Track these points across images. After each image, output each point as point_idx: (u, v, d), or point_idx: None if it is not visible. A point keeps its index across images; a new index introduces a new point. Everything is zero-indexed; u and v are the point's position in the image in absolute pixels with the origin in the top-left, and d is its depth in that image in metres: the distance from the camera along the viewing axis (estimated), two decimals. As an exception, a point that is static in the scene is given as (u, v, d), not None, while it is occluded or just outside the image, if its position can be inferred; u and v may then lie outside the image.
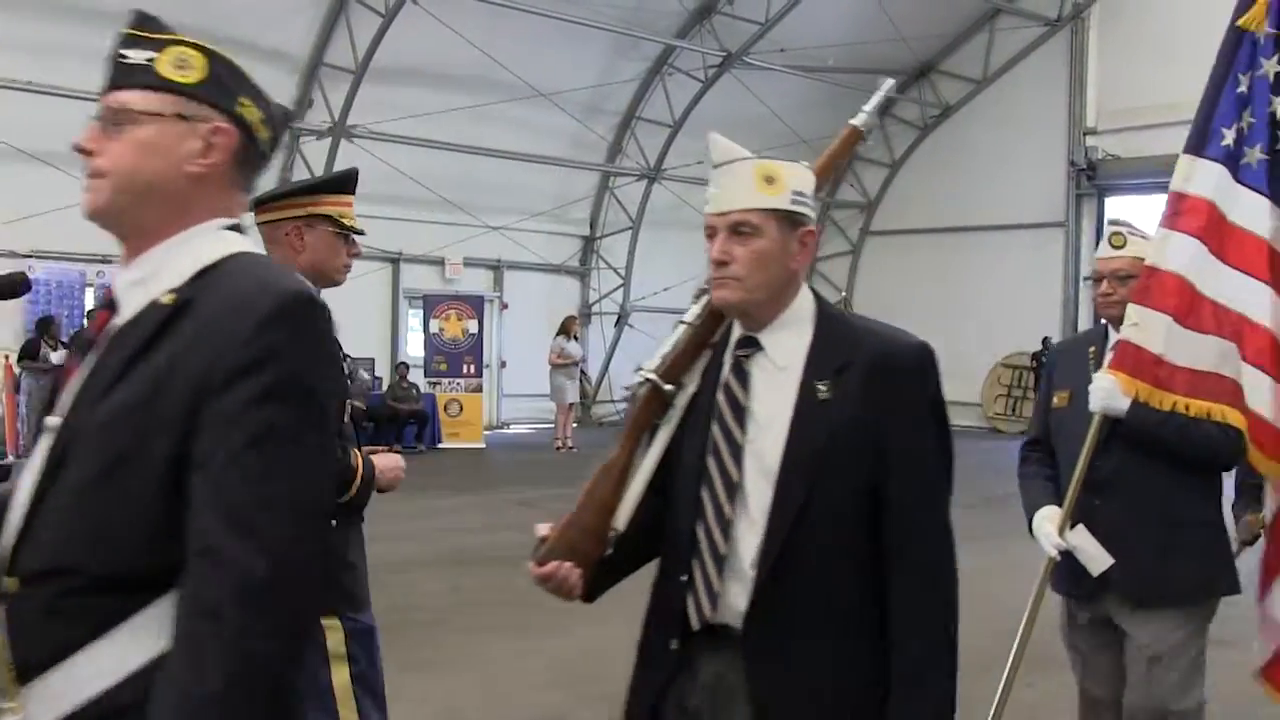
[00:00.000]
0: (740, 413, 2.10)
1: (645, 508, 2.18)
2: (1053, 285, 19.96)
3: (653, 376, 2.19)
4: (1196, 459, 3.32)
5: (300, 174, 16.66)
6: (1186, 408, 3.26)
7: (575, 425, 17.44)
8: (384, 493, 3.14)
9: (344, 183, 3.13)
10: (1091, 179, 19.95)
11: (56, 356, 13.68)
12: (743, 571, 2.05)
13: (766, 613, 2.03)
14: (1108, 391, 3.31)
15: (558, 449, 16.28)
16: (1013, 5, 20.02)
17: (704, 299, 2.17)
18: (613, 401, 21.04)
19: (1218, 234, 3.35)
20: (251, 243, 1.71)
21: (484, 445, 17.07)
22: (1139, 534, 3.32)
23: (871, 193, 23.00)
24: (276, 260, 3.08)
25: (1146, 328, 3.31)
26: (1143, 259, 3.40)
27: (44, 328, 13.67)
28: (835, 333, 2.11)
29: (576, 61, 17.79)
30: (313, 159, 16.52)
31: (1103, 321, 3.63)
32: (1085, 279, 3.98)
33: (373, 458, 3.09)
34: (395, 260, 17.84)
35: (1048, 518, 3.42)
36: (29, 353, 13.60)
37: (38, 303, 14.14)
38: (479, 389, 17.59)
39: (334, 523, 3.01)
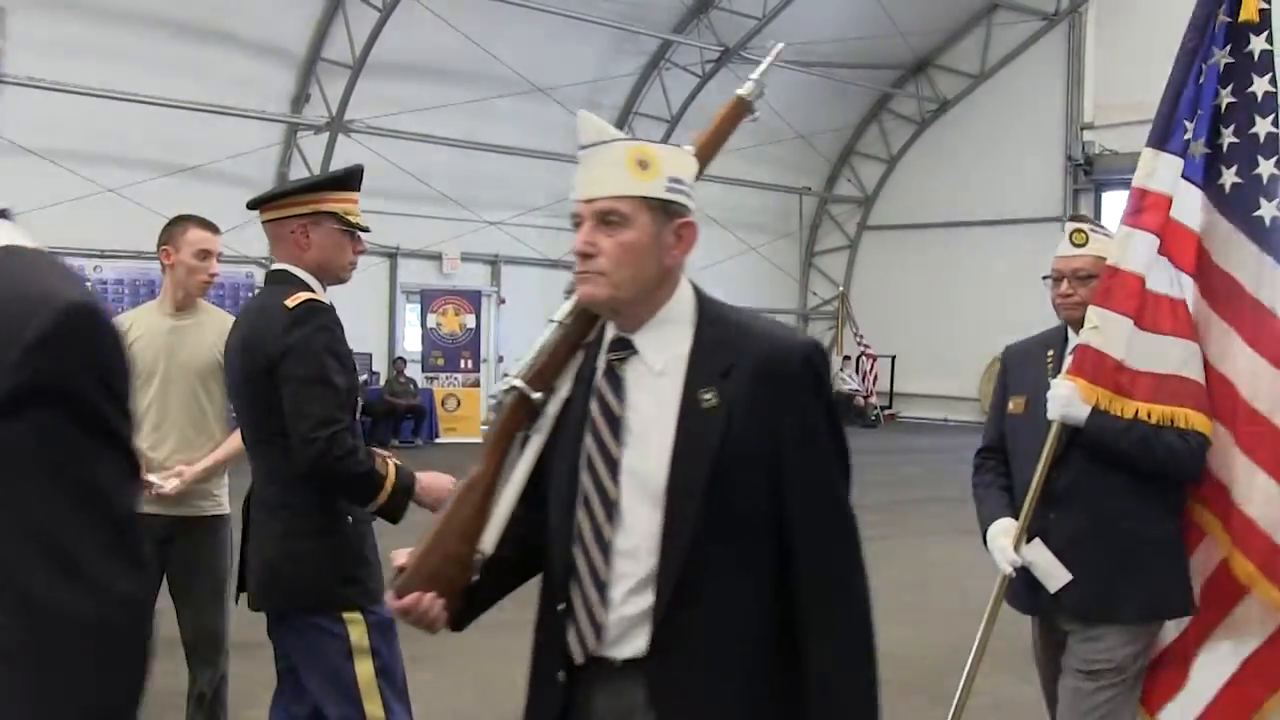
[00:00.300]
0: (615, 423, 1.92)
1: (520, 523, 2.00)
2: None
3: (519, 383, 1.99)
4: (1158, 473, 3.15)
5: (298, 169, 16.65)
6: (1149, 415, 3.11)
7: (573, 420, 17.42)
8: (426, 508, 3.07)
9: (348, 179, 3.10)
10: (1088, 174, 19.95)
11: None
12: (628, 600, 1.88)
13: (669, 645, 1.86)
14: (1066, 399, 3.14)
15: (555, 444, 16.30)
16: (1010, 0, 20.02)
17: (575, 295, 1.98)
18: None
19: (1168, 231, 3.23)
20: (16, 230, 1.47)
21: (481, 440, 16.99)
22: (1094, 550, 3.17)
23: (869, 188, 23.00)
24: (282, 258, 3.05)
25: (1107, 331, 3.14)
26: (1105, 258, 3.24)
27: (41, 323, 13.65)
28: (717, 334, 1.93)
29: (574, 56, 17.77)
30: (310, 154, 16.51)
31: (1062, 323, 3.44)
32: (1045, 278, 3.77)
33: (420, 474, 3.03)
34: (393, 255, 17.83)
35: (1003, 531, 3.29)
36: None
37: (35, 298, 14.10)
38: (476, 384, 17.59)
39: (350, 519, 2.98)
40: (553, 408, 2.00)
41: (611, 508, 1.90)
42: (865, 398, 21.28)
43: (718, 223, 20.47)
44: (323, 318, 2.93)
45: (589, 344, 2.01)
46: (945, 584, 7.66)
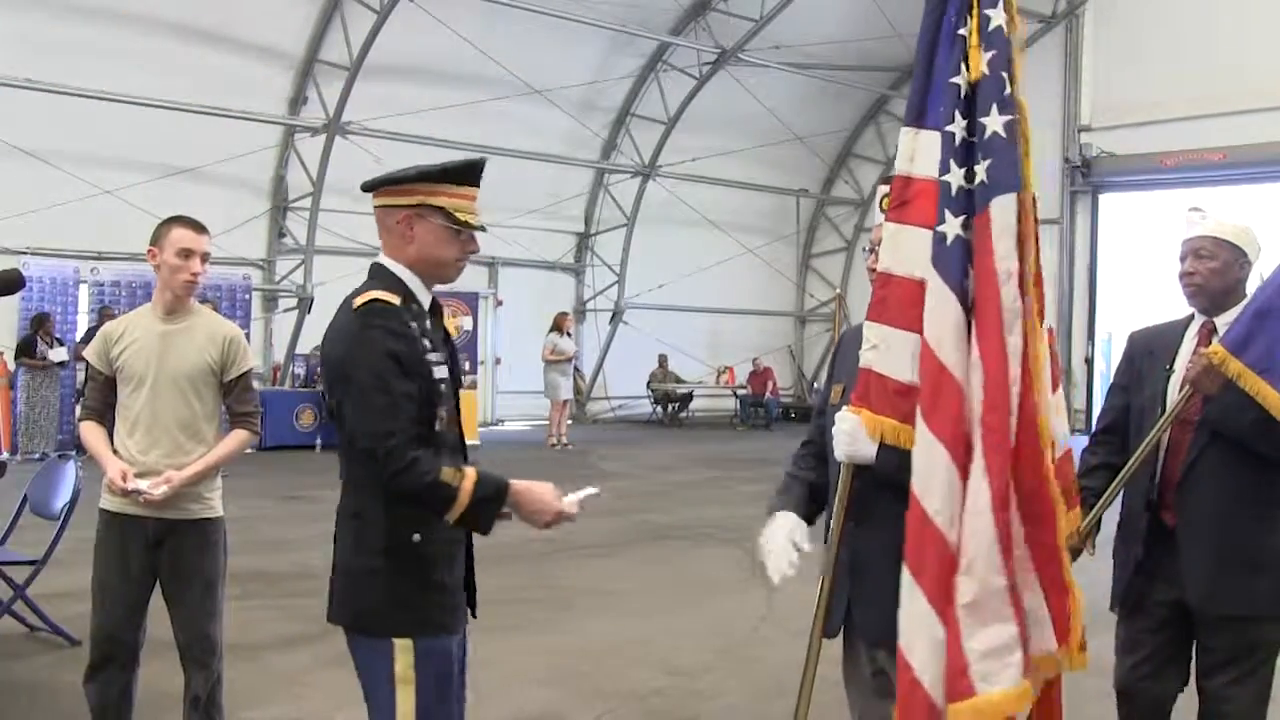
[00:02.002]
0: None
1: None
2: (1048, 282, 19.88)
3: None
4: None
5: (295, 171, 16.64)
6: None
7: (570, 422, 17.43)
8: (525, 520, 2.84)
9: (465, 173, 2.85)
10: (1086, 176, 19.95)
11: (55, 353, 13.66)
12: None
13: None
14: (850, 435, 2.71)
15: (552, 445, 16.28)
16: (1007, 2, 20.01)
17: None
18: (607, 399, 21.04)
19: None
20: None
21: (479, 442, 16.98)
22: (883, 568, 2.70)
23: (866, 190, 22.98)
24: (386, 251, 2.82)
25: (889, 350, 2.66)
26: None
27: (38, 324, 13.64)
28: None
29: (572, 58, 17.77)
30: (307, 156, 16.48)
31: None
32: (864, 249, 3.37)
33: (518, 482, 2.75)
34: (390, 257, 17.78)
35: (782, 526, 2.92)
36: (26, 349, 13.57)
37: (31, 299, 14.09)
38: (474, 385, 17.52)
39: (416, 538, 2.73)
40: None
41: None
42: (863, 400, 21.29)
43: (715, 224, 20.47)
44: (385, 318, 2.68)
45: None
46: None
